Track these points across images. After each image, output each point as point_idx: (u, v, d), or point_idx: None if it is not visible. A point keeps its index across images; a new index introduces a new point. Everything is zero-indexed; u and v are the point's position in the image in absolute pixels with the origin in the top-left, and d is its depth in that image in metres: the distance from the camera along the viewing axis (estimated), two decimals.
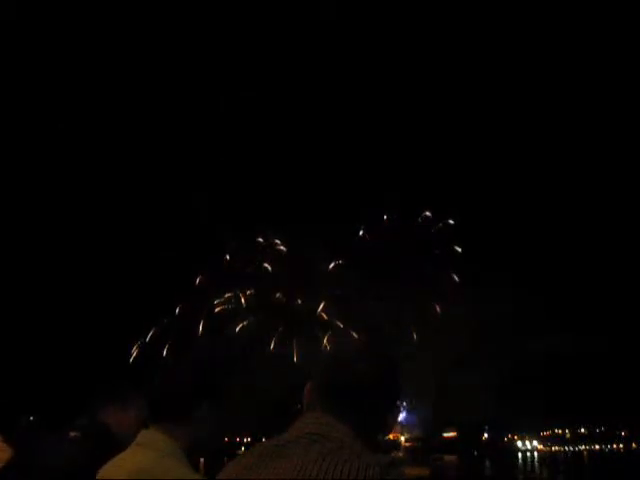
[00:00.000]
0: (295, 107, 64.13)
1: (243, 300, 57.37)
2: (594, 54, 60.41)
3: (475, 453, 63.99)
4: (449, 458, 56.34)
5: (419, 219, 60.39)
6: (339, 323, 53.17)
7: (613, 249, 62.61)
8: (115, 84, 58.40)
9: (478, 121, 64.78)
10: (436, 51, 62.70)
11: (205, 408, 1.71)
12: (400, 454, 44.65)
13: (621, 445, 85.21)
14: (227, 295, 57.41)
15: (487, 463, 53.95)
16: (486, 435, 72.17)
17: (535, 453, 78.56)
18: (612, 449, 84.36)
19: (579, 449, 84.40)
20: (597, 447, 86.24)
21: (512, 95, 63.41)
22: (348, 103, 68.07)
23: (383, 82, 68.37)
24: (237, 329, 56.00)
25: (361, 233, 60.26)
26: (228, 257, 58.38)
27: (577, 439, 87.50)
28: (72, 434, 2.34)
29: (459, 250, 59.02)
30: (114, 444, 2.16)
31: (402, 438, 55.25)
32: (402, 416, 58.51)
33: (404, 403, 58.48)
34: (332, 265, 59.48)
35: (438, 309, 58.43)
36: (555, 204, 64.51)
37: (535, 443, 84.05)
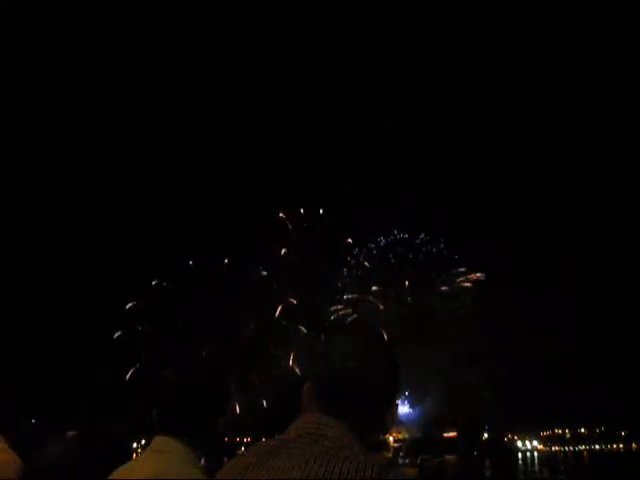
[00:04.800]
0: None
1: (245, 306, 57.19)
2: (594, 54, 60.40)
3: (475, 453, 63.70)
4: (449, 458, 55.98)
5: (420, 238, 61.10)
6: (337, 323, 53.10)
7: (613, 248, 62.64)
8: (102, 86, 58.50)
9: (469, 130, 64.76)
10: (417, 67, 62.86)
11: (221, 424, 1.71)
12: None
13: (621, 445, 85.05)
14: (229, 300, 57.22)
15: (487, 463, 53.70)
16: (486, 435, 71.84)
17: (535, 453, 78.29)
18: (612, 449, 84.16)
19: (579, 449, 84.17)
20: (597, 447, 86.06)
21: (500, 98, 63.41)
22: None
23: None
24: (237, 331, 55.90)
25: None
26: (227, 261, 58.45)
27: (577, 439, 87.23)
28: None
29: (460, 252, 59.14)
30: None
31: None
32: (403, 411, 58.36)
33: (405, 400, 58.38)
34: (333, 266, 59.61)
35: (438, 309, 58.50)
36: (552, 204, 64.50)
37: (535, 443, 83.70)
